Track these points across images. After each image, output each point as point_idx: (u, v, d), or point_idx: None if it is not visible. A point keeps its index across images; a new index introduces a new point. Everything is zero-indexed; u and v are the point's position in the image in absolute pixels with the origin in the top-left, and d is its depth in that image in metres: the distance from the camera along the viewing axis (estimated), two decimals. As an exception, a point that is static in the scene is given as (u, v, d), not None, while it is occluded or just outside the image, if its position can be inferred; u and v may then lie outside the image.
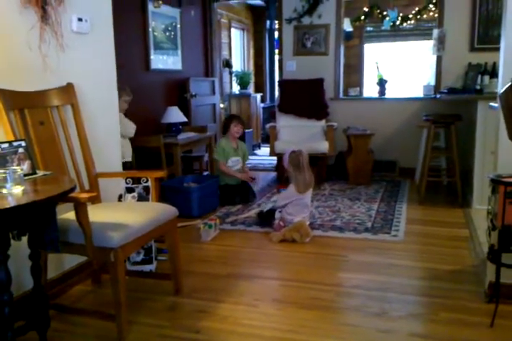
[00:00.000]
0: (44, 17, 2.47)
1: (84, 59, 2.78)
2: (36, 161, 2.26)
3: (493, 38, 5.14)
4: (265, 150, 7.77)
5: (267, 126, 5.76)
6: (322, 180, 5.34)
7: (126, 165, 3.64)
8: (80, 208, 1.95)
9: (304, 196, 3.60)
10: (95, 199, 2.49)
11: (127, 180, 2.75)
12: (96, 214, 2.18)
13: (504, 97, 1.30)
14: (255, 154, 7.71)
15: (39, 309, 2.01)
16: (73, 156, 2.56)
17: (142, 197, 2.75)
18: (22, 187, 1.72)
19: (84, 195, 1.95)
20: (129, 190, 2.75)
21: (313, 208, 4.22)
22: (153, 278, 2.77)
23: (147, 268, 2.83)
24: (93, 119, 2.82)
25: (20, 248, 1.99)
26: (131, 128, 4.12)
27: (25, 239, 1.90)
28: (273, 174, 5.91)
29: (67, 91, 2.58)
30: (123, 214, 2.27)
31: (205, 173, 5.57)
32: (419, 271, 2.90)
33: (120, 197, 2.79)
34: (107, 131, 2.98)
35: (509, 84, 1.30)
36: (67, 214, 2.22)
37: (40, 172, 2.06)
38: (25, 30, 2.38)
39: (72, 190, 1.80)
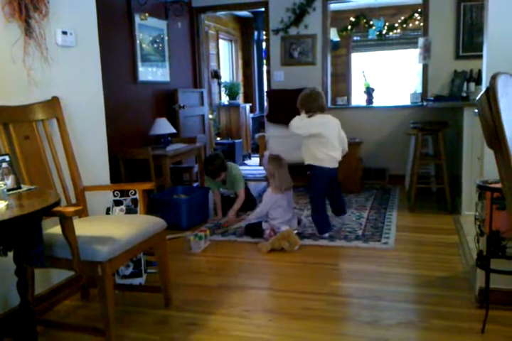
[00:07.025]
0: (28, 30, 2.47)
1: (69, 72, 2.77)
2: (21, 176, 2.24)
3: (477, 46, 5.19)
4: (255, 160, 7.79)
5: (257, 136, 5.78)
6: (312, 189, 5.32)
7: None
8: (66, 222, 1.93)
9: (284, 196, 3.59)
10: (81, 213, 2.46)
11: (115, 193, 2.73)
12: (83, 228, 2.17)
13: (479, 106, 1.31)
14: (245, 164, 7.71)
15: (26, 325, 1.97)
16: (59, 170, 2.54)
17: (130, 210, 2.73)
18: (6, 202, 1.70)
19: (70, 209, 1.92)
20: (117, 203, 2.73)
21: (304, 217, 4.21)
22: (143, 291, 2.74)
23: (136, 281, 2.80)
24: (79, 132, 2.81)
25: (6, 263, 1.97)
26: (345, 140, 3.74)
27: (11, 254, 1.87)
28: (263, 184, 5.90)
29: (53, 105, 2.57)
30: (110, 228, 2.25)
31: (195, 184, 5.56)
32: (410, 278, 2.90)
33: (108, 210, 2.77)
34: (93, 144, 2.97)
35: (482, 92, 1.31)
36: (53, 228, 2.20)
37: (24, 187, 2.04)
38: (9, 43, 2.37)
39: (57, 204, 1.79)
